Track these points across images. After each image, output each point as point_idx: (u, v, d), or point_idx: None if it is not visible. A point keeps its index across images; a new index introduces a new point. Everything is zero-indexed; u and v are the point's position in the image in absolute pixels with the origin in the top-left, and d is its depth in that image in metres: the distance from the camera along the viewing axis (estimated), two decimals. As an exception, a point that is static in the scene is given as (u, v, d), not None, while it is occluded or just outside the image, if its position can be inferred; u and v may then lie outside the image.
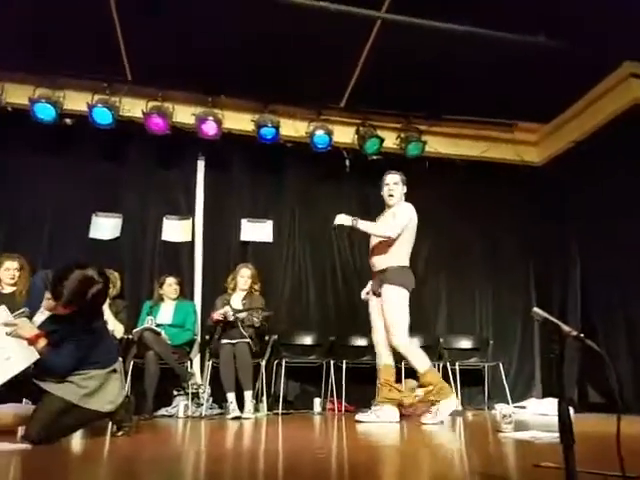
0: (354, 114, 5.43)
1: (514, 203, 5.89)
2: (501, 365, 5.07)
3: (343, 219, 3.76)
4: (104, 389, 2.66)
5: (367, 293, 3.99)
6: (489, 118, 5.63)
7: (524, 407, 4.96)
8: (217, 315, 4.49)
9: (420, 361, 3.67)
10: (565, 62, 4.33)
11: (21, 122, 4.75)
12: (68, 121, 4.90)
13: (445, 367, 5.04)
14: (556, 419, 1.34)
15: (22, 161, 4.92)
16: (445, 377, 5.03)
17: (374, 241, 3.89)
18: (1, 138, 4.83)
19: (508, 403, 4.88)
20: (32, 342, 2.45)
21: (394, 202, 3.91)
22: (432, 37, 4.12)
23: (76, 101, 4.81)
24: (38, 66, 4.67)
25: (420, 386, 3.99)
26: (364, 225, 3.79)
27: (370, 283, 3.98)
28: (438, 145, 5.62)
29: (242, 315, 4.47)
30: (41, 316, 2.60)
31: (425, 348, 5.26)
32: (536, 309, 1.52)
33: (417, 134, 5.47)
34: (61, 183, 4.98)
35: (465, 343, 5.40)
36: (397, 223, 3.76)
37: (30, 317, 2.57)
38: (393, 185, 3.96)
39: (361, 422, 3.63)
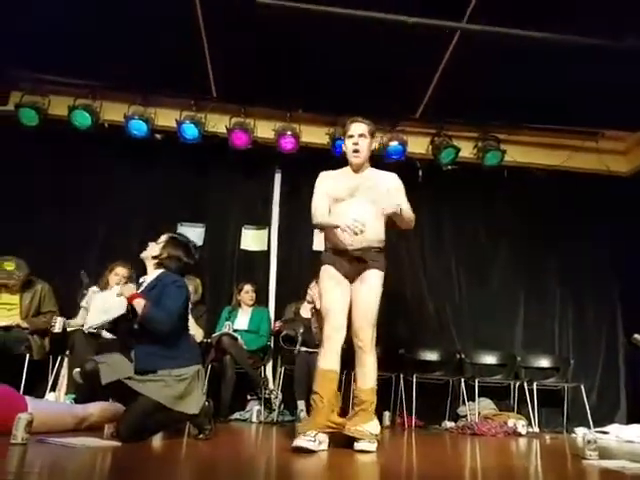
0: (429, 124, 5.39)
1: (599, 215, 5.59)
2: (582, 387, 4.81)
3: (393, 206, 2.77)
4: (191, 392, 2.83)
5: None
6: (572, 126, 5.39)
7: (607, 432, 4.69)
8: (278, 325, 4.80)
9: (375, 373, 3.00)
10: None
11: (115, 138, 5.11)
12: (158, 136, 5.20)
13: (522, 387, 4.87)
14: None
15: (115, 174, 5.29)
16: (521, 397, 4.90)
17: (366, 212, 2.83)
18: (98, 153, 5.21)
19: (589, 427, 4.64)
20: (131, 300, 2.87)
21: (361, 161, 2.93)
22: (512, 45, 4.01)
23: (166, 117, 5.13)
24: (132, 85, 5.02)
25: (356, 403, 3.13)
26: (406, 208, 2.89)
27: None
28: (517, 154, 5.46)
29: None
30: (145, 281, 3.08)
31: (500, 366, 5.16)
32: (637, 335, 1.48)
33: (495, 143, 5.35)
34: (150, 194, 5.32)
35: (544, 362, 5.18)
36: (406, 200, 2.94)
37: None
38: (358, 137, 2.90)
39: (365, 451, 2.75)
